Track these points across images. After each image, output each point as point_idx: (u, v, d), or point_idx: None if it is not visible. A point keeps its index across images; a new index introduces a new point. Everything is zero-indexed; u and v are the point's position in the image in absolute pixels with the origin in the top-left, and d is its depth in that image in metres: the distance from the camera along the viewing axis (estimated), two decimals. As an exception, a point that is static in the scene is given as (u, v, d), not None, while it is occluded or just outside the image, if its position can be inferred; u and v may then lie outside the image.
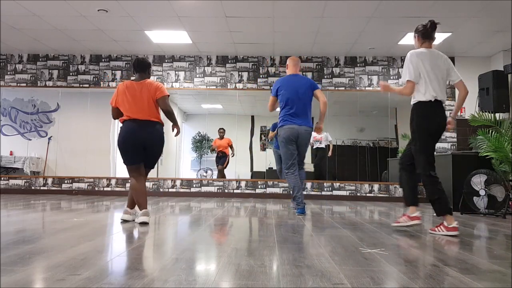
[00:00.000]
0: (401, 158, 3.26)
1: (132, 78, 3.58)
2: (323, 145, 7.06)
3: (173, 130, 3.64)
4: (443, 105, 3.05)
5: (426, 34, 3.07)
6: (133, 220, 3.43)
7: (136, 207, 3.48)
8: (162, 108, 3.45)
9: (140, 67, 3.49)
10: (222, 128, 7.40)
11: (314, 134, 7.12)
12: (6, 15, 5.31)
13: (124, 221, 3.37)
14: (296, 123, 4.17)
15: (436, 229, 3.06)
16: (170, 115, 3.50)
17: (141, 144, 3.35)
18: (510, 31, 5.47)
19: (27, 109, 7.18)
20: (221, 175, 7.38)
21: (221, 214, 4.13)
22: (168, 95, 3.49)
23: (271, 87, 6.85)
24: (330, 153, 6.97)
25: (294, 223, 3.52)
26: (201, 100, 7.37)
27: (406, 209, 3.24)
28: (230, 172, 7.33)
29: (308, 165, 7.15)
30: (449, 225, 2.97)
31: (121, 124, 3.44)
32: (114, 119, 3.52)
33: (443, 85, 3.05)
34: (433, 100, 2.97)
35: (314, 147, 7.11)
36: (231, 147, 7.41)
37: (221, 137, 7.42)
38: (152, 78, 6.93)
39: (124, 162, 3.42)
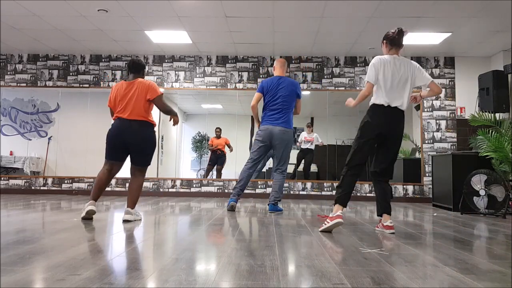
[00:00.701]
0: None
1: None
2: (312, 147, 7.06)
3: (170, 119, 3.67)
4: (402, 112, 3.11)
5: (393, 41, 3.14)
6: (135, 220, 3.43)
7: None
8: (160, 109, 3.51)
9: (135, 68, 3.55)
10: (219, 128, 7.43)
11: (305, 134, 7.13)
12: (6, 15, 5.31)
13: (91, 211, 3.43)
14: (272, 124, 4.30)
15: (323, 224, 3.05)
16: (169, 112, 3.55)
17: (123, 143, 3.41)
18: (510, 31, 5.47)
19: (27, 109, 7.17)
20: (219, 174, 7.38)
21: (221, 214, 4.13)
22: (162, 94, 3.51)
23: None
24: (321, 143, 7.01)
25: (294, 223, 3.52)
26: (201, 100, 7.37)
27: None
28: (230, 172, 7.33)
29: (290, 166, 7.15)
30: (333, 214, 2.95)
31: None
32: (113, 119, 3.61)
33: (403, 92, 3.09)
34: (385, 105, 3.06)
35: (304, 148, 7.09)
36: (228, 145, 7.42)
37: (218, 136, 7.43)
38: (152, 78, 6.93)
39: (105, 155, 3.53)
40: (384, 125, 3.07)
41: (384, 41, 3.20)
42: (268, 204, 4.38)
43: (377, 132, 3.07)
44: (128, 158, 3.55)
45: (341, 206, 3.02)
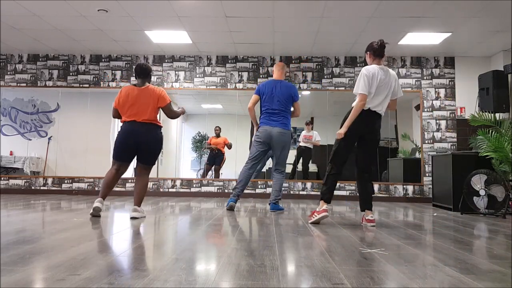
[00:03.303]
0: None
1: (134, 82, 3.73)
2: (310, 145, 7.04)
3: None
4: (379, 115, 3.40)
5: (376, 52, 3.40)
6: (141, 217, 3.63)
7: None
8: (167, 115, 3.77)
9: (143, 73, 3.72)
10: (218, 127, 7.39)
11: (304, 132, 7.12)
12: (6, 15, 5.31)
13: (96, 208, 3.56)
14: (270, 125, 4.40)
15: (311, 217, 3.49)
16: (175, 117, 3.85)
17: (135, 143, 3.58)
18: (510, 31, 5.47)
19: (27, 109, 7.17)
20: (217, 174, 7.35)
21: (221, 214, 4.13)
22: (170, 101, 3.74)
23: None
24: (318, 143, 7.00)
25: (294, 223, 3.52)
26: (201, 100, 7.37)
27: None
28: (230, 172, 7.32)
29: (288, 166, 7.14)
30: (319, 209, 3.41)
31: (121, 124, 3.71)
32: (113, 117, 3.81)
33: (385, 99, 3.39)
34: (366, 109, 3.34)
35: (302, 146, 7.07)
36: (227, 145, 7.39)
37: (218, 135, 7.39)
38: (152, 78, 6.92)
39: (113, 155, 3.68)
40: (364, 126, 3.37)
41: (368, 52, 3.44)
42: (269, 204, 4.43)
43: (358, 134, 3.40)
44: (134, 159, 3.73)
45: (322, 201, 3.47)
